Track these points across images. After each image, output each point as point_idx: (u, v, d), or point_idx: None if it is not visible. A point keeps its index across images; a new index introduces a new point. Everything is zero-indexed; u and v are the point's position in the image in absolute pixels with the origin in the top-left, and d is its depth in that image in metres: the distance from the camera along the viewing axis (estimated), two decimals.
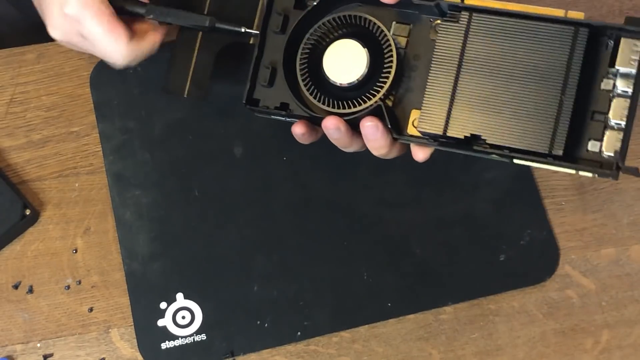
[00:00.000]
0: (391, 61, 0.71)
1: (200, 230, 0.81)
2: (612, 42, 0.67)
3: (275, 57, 0.73)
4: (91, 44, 0.74)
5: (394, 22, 0.72)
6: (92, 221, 0.82)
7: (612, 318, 0.81)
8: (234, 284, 0.80)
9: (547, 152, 0.67)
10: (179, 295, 0.79)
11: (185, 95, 0.77)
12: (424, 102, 0.70)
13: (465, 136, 0.69)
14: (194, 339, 0.79)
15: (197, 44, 0.78)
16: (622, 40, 0.66)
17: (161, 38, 0.76)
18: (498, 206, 0.82)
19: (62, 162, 0.83)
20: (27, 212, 0.80)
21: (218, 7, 0.77)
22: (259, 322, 0.79)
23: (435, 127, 0.69)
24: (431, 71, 0.70)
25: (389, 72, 0.71)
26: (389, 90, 0.71)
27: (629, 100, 0.66)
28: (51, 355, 0.79)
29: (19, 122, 0.84)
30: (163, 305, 0.79)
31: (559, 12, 0.68)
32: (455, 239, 0.81)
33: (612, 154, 0.66)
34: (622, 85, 0.66)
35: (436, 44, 0.70)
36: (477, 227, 0.82)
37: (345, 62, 0.71)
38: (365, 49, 0.70)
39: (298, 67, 0.72)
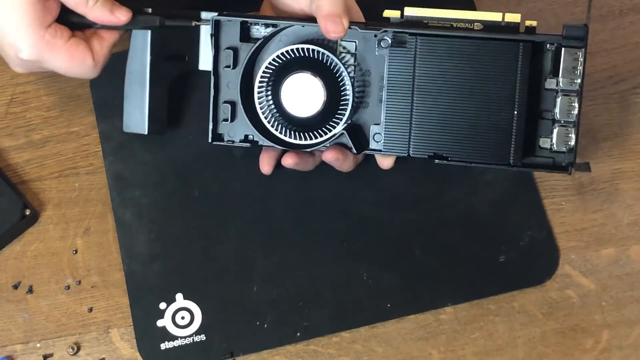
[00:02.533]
0: (346, 92, 0.74)
1: (200, 231, 0.81)
2: (553, 45, 0.72)
3: (232, 92, 0.76)
4: (58, 72, 0.75)
5: (338, 41, 0.75)
6: (92, 221, 0.82)
7: (612, 318, 0.81)
8: (233, 284, 0.80)
9: (506, 163, 0.73)
10: (179, 296, 0.79)
11: (147, 133, 0.79)
12: (384, 125, 0.75)
13: (428, 155, 0.74)
14: (193, 339, 0.79)
15: (147, 81, 0.78)
16: (564, 50, 0.72)
17: (116, 37, 0.76)
18: (498, 207, 0.82)
19: (62, 162, 0.83)
20: (27, 212, 0.80)
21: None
22: (258, 323, 0.79)
23: (399, 149, 0.75)
24: (387, 95, 0.74)
25: (347, 104, 0.74)
26: (349, 117, 0.74)
27: (573, 97, 0.72)
28: (51, 355, 0.79)
29: (19, 122, 0.84)
30: (162, 305, 0.79)
31: (496, 16, 0.73)
32: (455, 239, 0.81)
33: (563, 149, 0.73)
34: (565, 84, 0.72)
35: (388, 69, 0.74)
36: (476, 228, 0.81)
37: (303, 95, 0.73)
38: (321, 82, 0.73)
39: (257, 102, 0.75)
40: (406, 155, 0.75)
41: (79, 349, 0.79)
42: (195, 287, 0.80)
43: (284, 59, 0.74)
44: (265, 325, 0.79)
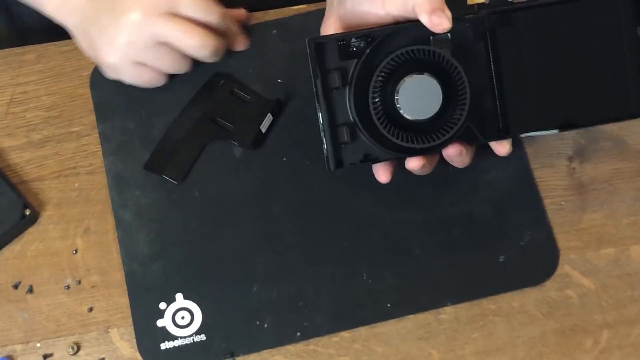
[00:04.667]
0: (463, 85, 0.72)
1: (200, 231, 0.81)
2: None
3: (344, 112, 0.73)
4: (177, 36, 0.78)
5: (430, 37, 0.72)
6: (92, 221, 0.82)
7: (612, 318, 0.81)
8: (233, 284, 0.80)
9: (629, 114, 0.75)
10: (179, 296, 0.79)
11: (163, 175, 0.81)
12: (503, 109, 0.74)
13: (555, 126, 0.74)
14: (193, 339, 0.79)
15: (186, 132, 0.81)
16: None
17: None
18: (498, 206, 0.82)
19: (62, 162, 0.83)
20: (27, 212, 0.80)
21: None
22: (258, 323, 0.79)
23: (530, 127, 0.74)
24: (500, 79, 0.73)
25: (465, 97, 0.72)
26: (468, 110, 0.72)
27: None
28: (51, 355, 0.79)
29: (19, 122, 0.84)
30: (162, 305, 0.79)
31: None
32: (455, 239, 0.81)
33: None
34: None
35: (492, 53, 0.73)
36: (476, 228, 0.82)
37: (420, 97, 0.71)
38: (436, 80, 0.71)
39: (373, 115, 0.72)
40: (535, 132, 0.74)
41: (79, 348, 0.79)
42: (195, 287, 0.80)
43: (394, 64, 0.71)
44: (265, 325, 0.79)
